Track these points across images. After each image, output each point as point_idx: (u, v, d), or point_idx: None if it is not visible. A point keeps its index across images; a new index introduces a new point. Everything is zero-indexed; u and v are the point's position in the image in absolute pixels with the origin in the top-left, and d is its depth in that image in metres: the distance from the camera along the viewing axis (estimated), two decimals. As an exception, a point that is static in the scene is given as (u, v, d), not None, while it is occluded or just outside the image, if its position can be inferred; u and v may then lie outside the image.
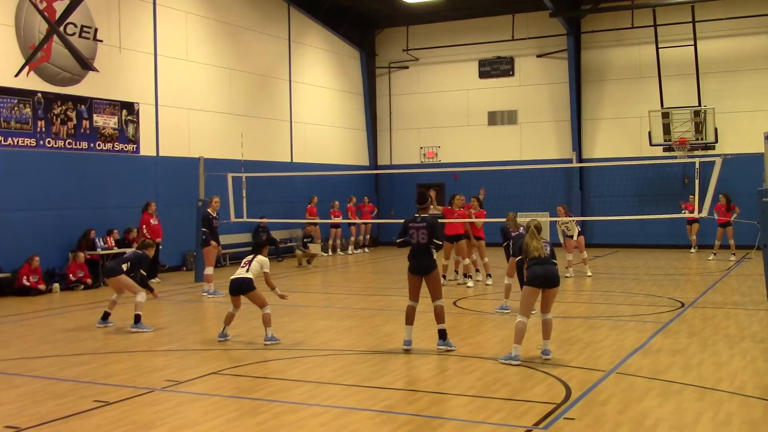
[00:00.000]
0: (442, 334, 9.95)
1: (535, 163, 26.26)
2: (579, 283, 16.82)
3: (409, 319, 9.99)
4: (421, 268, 9.88)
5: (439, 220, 15.51)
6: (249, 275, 10.52)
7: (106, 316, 12.09)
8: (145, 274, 12.11)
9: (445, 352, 9.74)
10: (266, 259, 10.79)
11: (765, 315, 12.48)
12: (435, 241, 9.89)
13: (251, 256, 10.77)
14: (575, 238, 17.67)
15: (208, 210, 16.07)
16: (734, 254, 21.19)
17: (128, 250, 18.04)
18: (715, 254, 21.38)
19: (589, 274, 17.64)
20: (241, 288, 10.55)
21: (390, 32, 29.70)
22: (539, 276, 9.18)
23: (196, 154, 20.08)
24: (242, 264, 10.71)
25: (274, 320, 10.45)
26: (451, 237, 16.19)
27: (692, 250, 23.16)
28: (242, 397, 7.87)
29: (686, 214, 21.10)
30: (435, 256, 9.95)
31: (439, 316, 9.91)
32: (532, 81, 27.66)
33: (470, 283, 16.19)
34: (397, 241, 10.22)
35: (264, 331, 10.49)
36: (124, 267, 11.85)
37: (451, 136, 28.74)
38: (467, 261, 16.36)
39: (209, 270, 15.73)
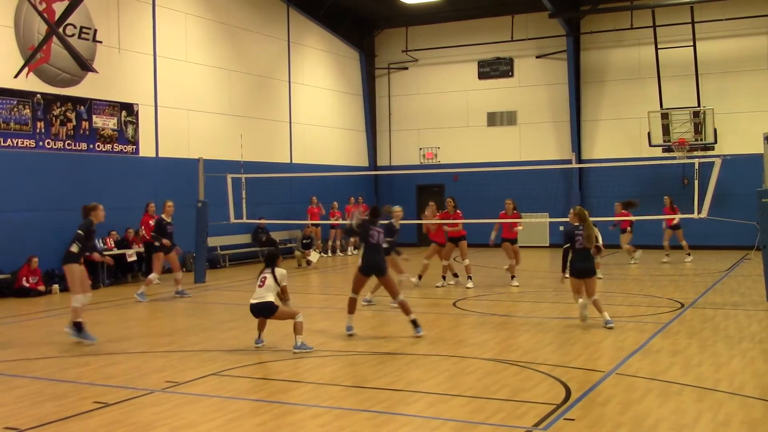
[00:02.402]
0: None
1: (534, 164, 26.25)
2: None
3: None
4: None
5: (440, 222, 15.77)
6: (269, 297, 9.93)
7: (78, 327, 10.78)
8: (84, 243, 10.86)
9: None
10: (284, 271, 10.19)
11: (764, 316, 12.48)
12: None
13: (268, 270, 10.09)
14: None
15: (162, 215, 15.68)
16: (689, 254, 21.01)
17: (128, 251, 18.17)
18: (668, 255, 21.08)
19: (600, 276, 17.56)
20: (263, 312, 10.03)
21: (389, 33, 29.71)
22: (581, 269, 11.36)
23: (195, 155, 20.08)
24: (259, 283, 10.05)
25: (273, 321, 10.40)
26: (454, 239, 16.36)
27: (665, 258, 21.24)
28: (242, 398, 7.87)
29: (664, 217, 20.80)
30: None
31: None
32: (531, 82, 27.67)
33: (470, 284, 16.21)
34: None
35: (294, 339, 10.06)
36: (74, 249, 10.80)
37: (451, 137, 28.75)
38: (467, 261, 16.40)
39: (153, 276, 15.25)
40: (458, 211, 16.63)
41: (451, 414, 7.21)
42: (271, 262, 10.21)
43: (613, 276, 18.28)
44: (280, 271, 10.12)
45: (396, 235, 14.54)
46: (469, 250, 16.57)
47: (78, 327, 10.75)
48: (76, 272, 10.84)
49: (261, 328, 10.31)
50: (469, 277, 16.36)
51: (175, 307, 14.90)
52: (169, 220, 15.73)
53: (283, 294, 10.16)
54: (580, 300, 11.51)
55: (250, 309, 10.16)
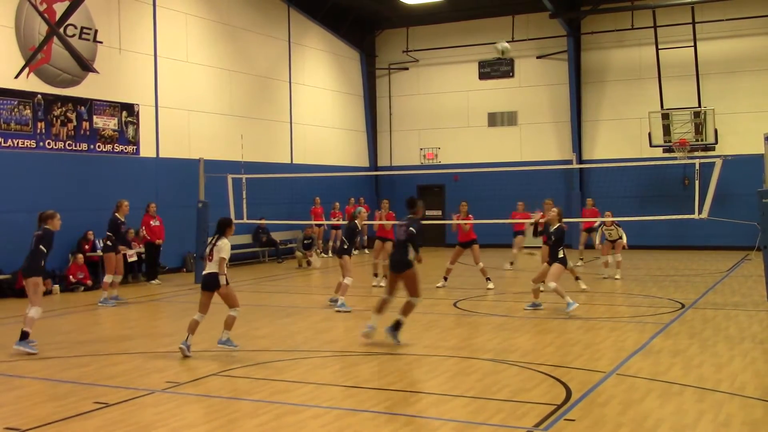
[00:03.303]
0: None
1: (535, 165, 26.24)
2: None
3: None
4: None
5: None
6: (215, 269, 9.65)
7: (25, 336, 10.19)
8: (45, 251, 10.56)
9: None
10: (224, 242, 9.85)
11: (765, 316, 12.48)
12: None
13: (215, 240, 9.82)
14: (618, 241, 17.78)
15: (116, 214, 15.20)
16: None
17: (129, 251, 18.14)
18: (582, 259, 20.53)
19: (618, 277, 17.64)
20: (207, 285, 9.79)
21: (390, 33, 29.72)
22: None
23: (196, 155, 20.09)
24: (208, 255, 9.83)
25: (274, 321, 10.41)
26: (464, 243, 16.36)
27: (579, 262, 20.25)
28: (242, 398, 7.87)
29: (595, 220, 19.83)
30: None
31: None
32: (532, 82, 27.68)
33: (490, 285, 16.14)
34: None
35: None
36: (41, 261, 10.46)
37: (451, 137, 28.75)
38: (481, 265, 16.36)
39: (108, 278, 14.72)
40: (470, 215, 16.67)
41: (452, 414, 7.21)
42: (219, 230, 9.95)
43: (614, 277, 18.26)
44: (221, 242, 9.79)
45: (358, 236, 14.57)
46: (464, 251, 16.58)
47: (25, 335, 10.19)
48: (39, 284, 10.52)
49: (191, 329, 9.83)
50: (488, 279, 16.28)
51: (175, 307, 14.91)
52: (123, 220, 15.35)
53: (219, 267, 9.75)
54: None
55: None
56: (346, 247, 13.90)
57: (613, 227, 17.77)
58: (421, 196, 28.77)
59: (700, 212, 15.66)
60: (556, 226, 12.95)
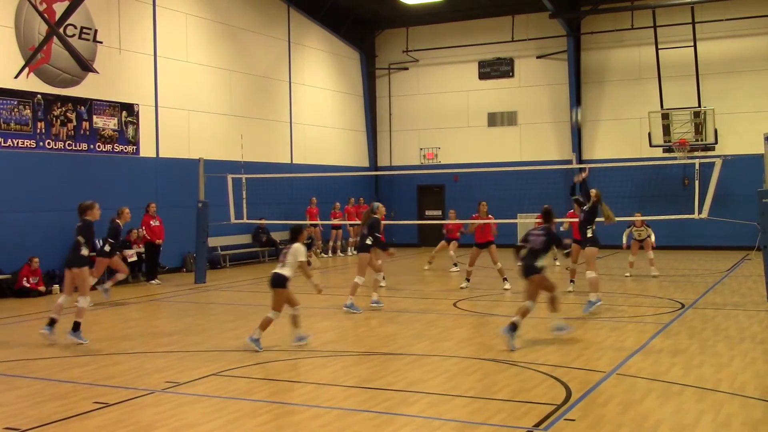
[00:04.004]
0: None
1: (534, 165, 26.24)
2: (580, 284, 16.78)
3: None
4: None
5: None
6: (284, 271, 10.16)
7: (52, 323, 10.79)
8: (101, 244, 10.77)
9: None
10: (297, 246, 10.39)
11: (765, 316, 12.48)
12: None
13: (288, 246, 10.41)
14: (646, 240, 18.06)
15: (118, 221, 15.05)
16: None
17: (129, 251, 18.14)
18: (456, 265, 19.76)
19: (654, 274, 17.81)
20: (273, 282, 10.21)
21: (390, 33, 29.72)
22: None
23: (196, 155, 20.09)
24: (281, 257, 10.42)
25: (274, 321, 10.40)
26: (481, 244, 16.29)
27: (453, 268, 19.74)
28: (242, 398, 7.87)
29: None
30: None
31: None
32: (532, 82, 27.68)
33: (507, 285, 16.03)
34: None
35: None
36: (84, 251, 10.89)
37: (451, 137, 28.75)
38: (499, 265, 16.30)
39: (92, 281, 14.10)
40: (490, 214, 16.64)
41: (452, 414, 7.21)
42: (292, 237, 10.61)
43: (614, 276, 18.27)
44: (294, 246, 10.34)
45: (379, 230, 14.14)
46: (468, 250, 16.56)
47: (77, 326, 10.80)
48: (87, 276, 11.10)
49: (263, 326, 10.16)
50: (505, 279, 16.21)
51: (175, 307, 14.92)
52: (122, 227, 15.29)
53: (301, 270, 10.34)
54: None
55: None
56: (369, 243, 13.73)
57: (643, 227, 18.09)
58: (420, 196, 28.88)
59: (700, 212, 15.68)
60: (592, 203, 12.81)
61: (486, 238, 16.32)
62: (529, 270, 10.54)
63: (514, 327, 10.07)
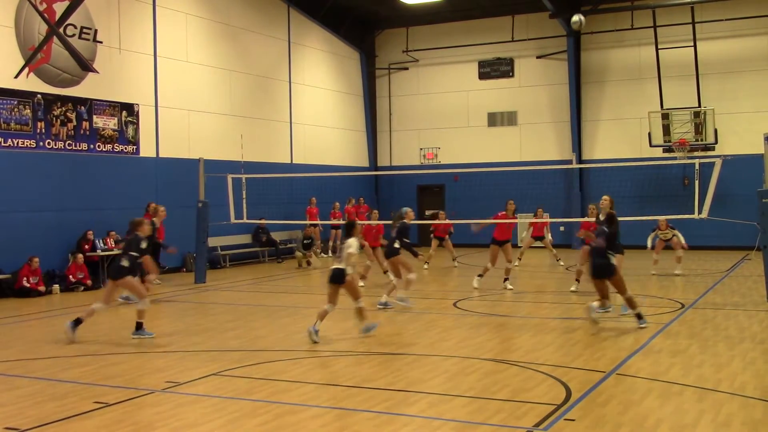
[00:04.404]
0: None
1: (534, 164, 26.24)
2: (584, 285, 16.78)
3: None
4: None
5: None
6: (341, 265, 10.69)
7: (78, 322, 11.00)
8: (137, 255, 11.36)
9: None
10: (350, 241, 10.88)
11: (765, 316, 12.48)
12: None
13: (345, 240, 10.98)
14: (673, 239, 18.33)
15: (155, 219, 15.47)
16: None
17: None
18: (427, 262, 19.90)
19: (678, 272, 18.03)
20: (333, 279, 10.82)
21: (390, 33, 29.71)
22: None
23: (196, 155, 20.09)
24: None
25: (274, 321, 10.42)
26: (500, 241, 16.17)
27: (425, 266, 19.96)
28: (242, 398, 7.87)
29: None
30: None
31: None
32: (531, 82, 27.67)
33: (509, 285, 16.05)
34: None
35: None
36: (125, 263, 11.28)
37: (451, 137, 28.75)
38: (510, 265, 16.31)
39: (152, 277, 14.13)
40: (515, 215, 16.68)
41: (452, 414, 7.21)
42: (346, 232, 11.21)
43: (639, 276, 18.23)
44: (348, 241, 10.87)
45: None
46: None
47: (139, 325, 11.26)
48: (134, 281, 11.59)
49: (321, 317, 10.72)
50: (506, 279, 16.19)
51: (175, 307, 14.91)
52: (157, 225, 15.73)
53: (346, 262, 10.78)
54: None
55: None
56: (397, 246, 13.65)
57: (667, 230, 18.40)
58: (420, 196, 28.88)
59: (700, 212, 15.66)
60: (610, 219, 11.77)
61: (506, 236, 16.23)
62: (604, 268, 11.47)
63: (639, 316, 11.29)
